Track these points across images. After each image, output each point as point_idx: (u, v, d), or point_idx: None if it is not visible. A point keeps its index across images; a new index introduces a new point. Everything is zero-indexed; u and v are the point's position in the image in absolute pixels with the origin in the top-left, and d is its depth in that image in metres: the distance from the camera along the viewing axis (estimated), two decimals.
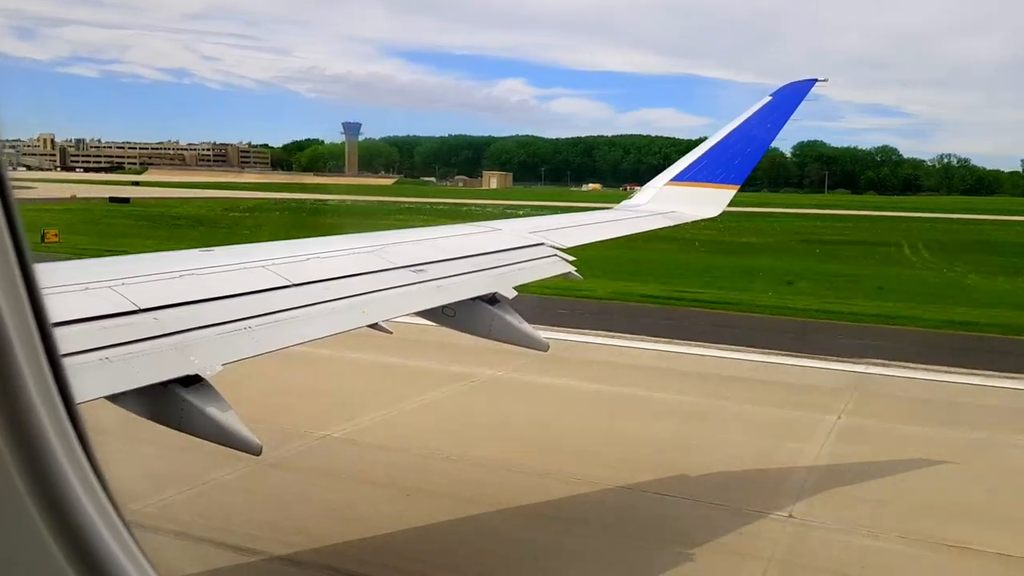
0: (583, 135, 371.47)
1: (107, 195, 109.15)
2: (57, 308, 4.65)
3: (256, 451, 5.11)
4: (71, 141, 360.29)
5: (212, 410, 4.97)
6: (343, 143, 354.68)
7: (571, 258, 9.80)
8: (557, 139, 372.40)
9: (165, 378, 4.82)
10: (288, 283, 6.45)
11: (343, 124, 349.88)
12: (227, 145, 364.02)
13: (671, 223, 12.44)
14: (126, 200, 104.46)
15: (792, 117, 13.03)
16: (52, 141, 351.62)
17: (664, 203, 12.91)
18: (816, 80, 13.27)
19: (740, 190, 12.98)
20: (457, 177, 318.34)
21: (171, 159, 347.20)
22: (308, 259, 7.24)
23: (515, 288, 8.41)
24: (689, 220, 12.74)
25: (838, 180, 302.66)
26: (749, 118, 13.17)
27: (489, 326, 8.22)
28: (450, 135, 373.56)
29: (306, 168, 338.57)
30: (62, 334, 4.47)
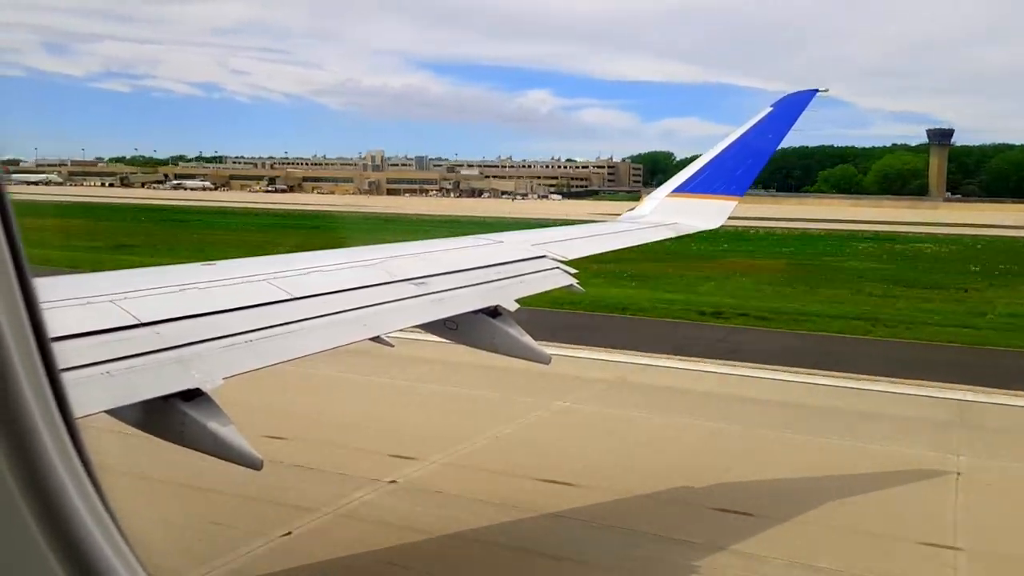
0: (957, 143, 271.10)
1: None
2: (59, 322, 4.67)
3: (257, 466, 5.10)
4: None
5: (213, 424, 4.96)
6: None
7: (573, 271, 9.80)
8: (975, 146, 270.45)
9: (166, 392, 4.82)
10: (290, 296, 6.46)
11: (928, 131, 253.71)
12: (616, 163, 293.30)
13: (673, 234, 12.45)
14: None
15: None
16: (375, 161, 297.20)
17: (666, 215, 12.92)
18: (817, 91, 13.32)
19: None
20: None
21: (570, 181, 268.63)
22: (310, 272, 7.25)
23: (517, 301, 8.42)
24: (691, 232, 12.75)
25: None
26: (750, 129, 13.20)
27: (491, 339, 8.22)
28: (819, 145, 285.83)
29: (864, 189, 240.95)
30: (64, 348, 4.48)
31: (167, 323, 5.30)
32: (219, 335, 5.48)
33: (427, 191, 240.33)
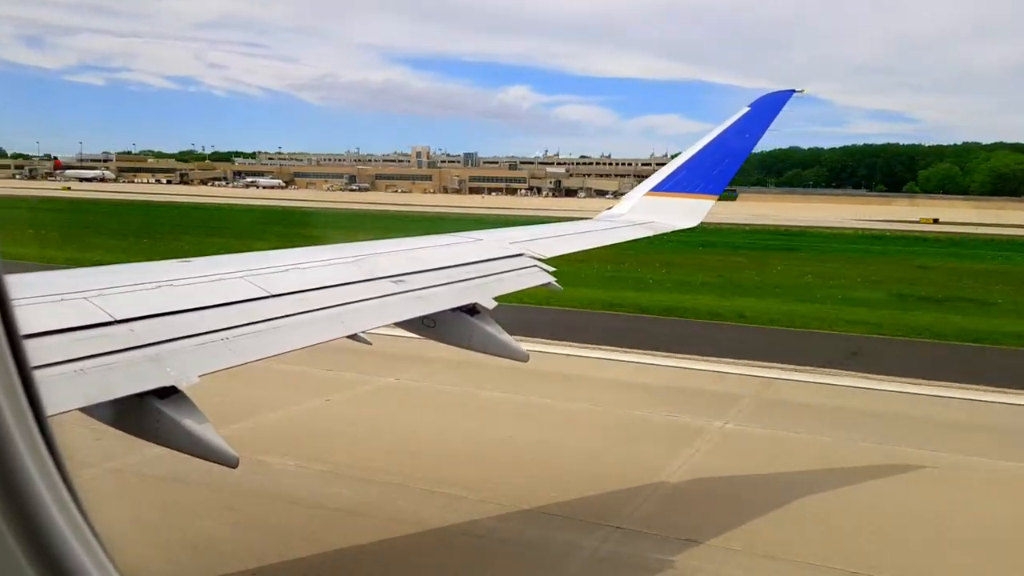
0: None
1: None
2: (31, 320, 4.63)
3: (233, 463, 5.08)
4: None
5: (188, 422, 4.94)
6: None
7: (552, 268, 9.84)
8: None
9: (140, 390, 4.79)
10: (267, 294, 6.43)
11: None
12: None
13: (650, 233, 12.52)
14: None
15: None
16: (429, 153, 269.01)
17: (643, 213, 12.99)
18: (794, 91, 13.44)
19: None
20: None
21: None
22: (287, 270, 7.22)
23: (495, 299, 8.44)
24: (668, 231, 12.83)
25: None
26: (727, 128, 13.30)
27: (469, 337, 8.24)
28: (853, 144, 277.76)
29: (966, 189, 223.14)
30: (37, 346, 4.44)
31: (142, 320, 5.27)
32: (195, 332, 5.45)
33: (515, 190, 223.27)
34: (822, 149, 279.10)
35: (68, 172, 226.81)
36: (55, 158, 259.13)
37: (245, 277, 6.61)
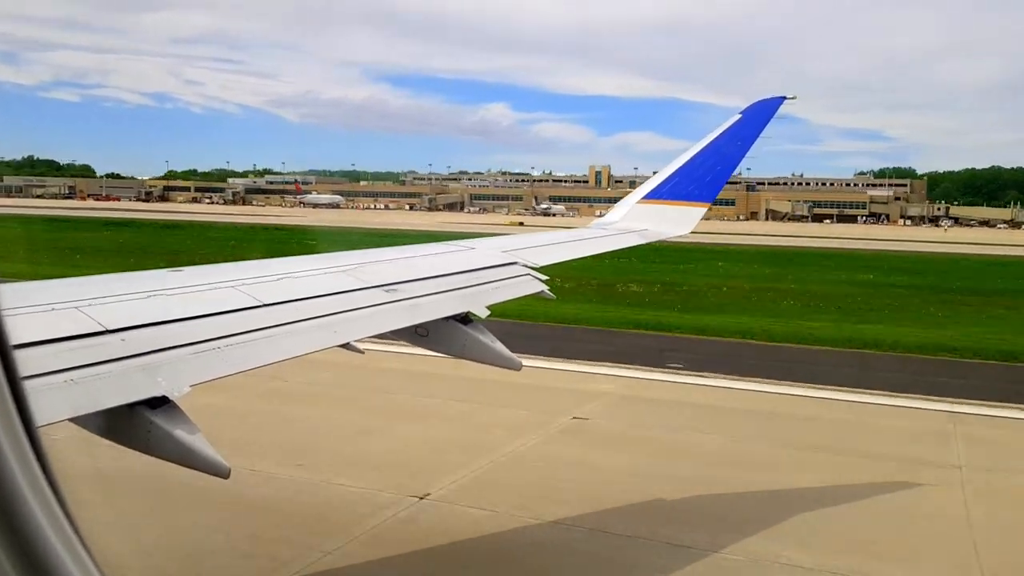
0: None
1: None
2: (22, 329, 4.60)
3: (224, 474, 5.05)
4: None
5: (180, 432, 4.90)
6: None
7: (544, 277, 9.82)
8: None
9: (131, 400, 4.76)
10: (259, 303, 6.41)
11: None
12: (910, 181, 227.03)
13: (643, 241, 12.51)
14: None
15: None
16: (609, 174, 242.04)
17: (636, 221, 12.99)
18: (785, 97, 13.46)
19: None
20: None
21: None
22: (280, 279, 7.19)
23: (487, 307, 8.42)
24: (661, 238, 12.82)
25: None
26: (719, 136, 13.32)
27: (462, 345, 8.20)
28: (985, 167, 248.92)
29: None
30: (27, 356, 4.41)
31: (133, 330, 5.24)
32: (186, 342, 5.42)
33: (854, 217, 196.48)
34: None
35: (308, 198, 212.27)
36: (295, 181, 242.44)
37: (236, 287, 6.59)
